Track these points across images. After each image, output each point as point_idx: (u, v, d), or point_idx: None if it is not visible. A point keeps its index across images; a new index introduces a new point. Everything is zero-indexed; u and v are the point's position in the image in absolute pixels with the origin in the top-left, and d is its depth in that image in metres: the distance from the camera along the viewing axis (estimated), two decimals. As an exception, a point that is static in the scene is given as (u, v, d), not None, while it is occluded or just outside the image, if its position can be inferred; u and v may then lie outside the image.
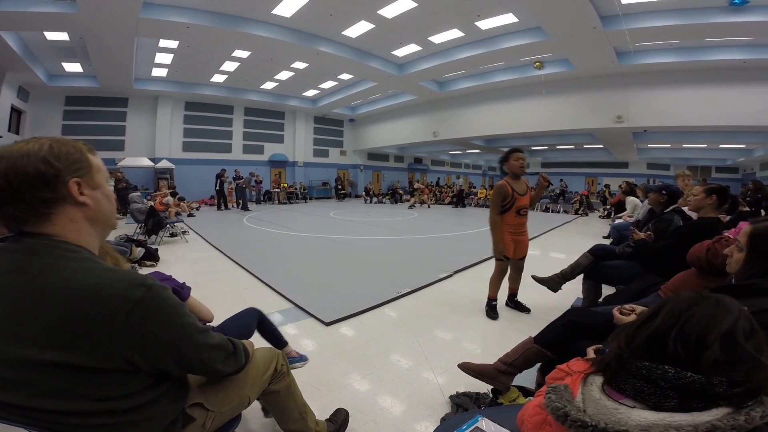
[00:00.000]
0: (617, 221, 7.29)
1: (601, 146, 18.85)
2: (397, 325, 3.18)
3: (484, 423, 1.00)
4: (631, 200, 8.09)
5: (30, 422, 0.76)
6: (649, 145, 18.60)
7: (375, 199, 19.59)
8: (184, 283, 1.42)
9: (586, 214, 14.45)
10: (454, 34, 10.39)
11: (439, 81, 14.86)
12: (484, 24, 9.69)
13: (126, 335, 0.75)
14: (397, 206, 17.13)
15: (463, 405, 1.91)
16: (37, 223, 0.80)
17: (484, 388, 2.02)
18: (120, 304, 0.75)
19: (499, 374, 1.79)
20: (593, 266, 3.09)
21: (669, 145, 18.05)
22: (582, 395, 0.70)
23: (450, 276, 4.72)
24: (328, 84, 16.13)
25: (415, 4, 8.77)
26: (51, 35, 9.82)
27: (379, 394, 2.14)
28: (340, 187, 20.64)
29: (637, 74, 11.18)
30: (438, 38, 10.73)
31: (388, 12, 9.22)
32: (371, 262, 5.53)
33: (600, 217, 13.43)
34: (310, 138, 21.13)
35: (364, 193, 20.65)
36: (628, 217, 7.19)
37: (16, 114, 12.83)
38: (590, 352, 1.10)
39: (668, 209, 3.29)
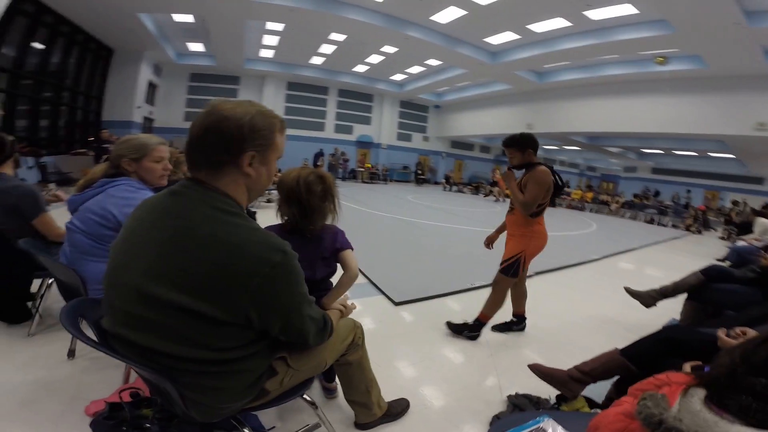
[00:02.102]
0: (739, 243, 6.21)
1: (732, 156, 15.98)
2: (466, 316, 3.10)
3: (549, 424, 0.95)
4: (761, 222, 6.84)
5: (147, 362, 0.86)
6: (798, 159, 15.24)
7: (455, 188, 19.25)
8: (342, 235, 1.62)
9: (700, 232, 12.45)
10: (559, 23, 9.51)
11: (537, 71, 13.84)
12: (595, 14, 8.70)
13: (257, 294, 0.83)
14: (477, 197, 16.68)
15: (521, 406, 1.84)
16: (208, 174, 0.90)
17: (544, 394, 1.92)
18: (261, 265, 0.82)
19: (571, 381, 1.69)
20: (702, 287, 2.70)
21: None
22: (679, 406, 0.68)
23: (530, 276, 4.47)
24: (416, 69, 16.07)
25: (513, -9, 8.21)
26: (178, 17, 11.16)
27: (435, 382, 2.14)
28: (419, 172, 20.66)
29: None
30: (539, 27, 9.93)
31: (483, -2, 8.73)
32: (446, 249, 5.51)
33: (720, 238, 11.46)
34: (395, 122, 21.36)
35: (444, 180, 20.39)
36: (755, 240, 6.08)
37: (151, 88, 15.06)
38: (686, 368, 1.00)
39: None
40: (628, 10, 8.23)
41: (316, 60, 15.81)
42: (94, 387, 1.70)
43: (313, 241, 1.49)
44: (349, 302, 1.49)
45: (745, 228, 7.91)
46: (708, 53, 9.21)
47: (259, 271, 0.82)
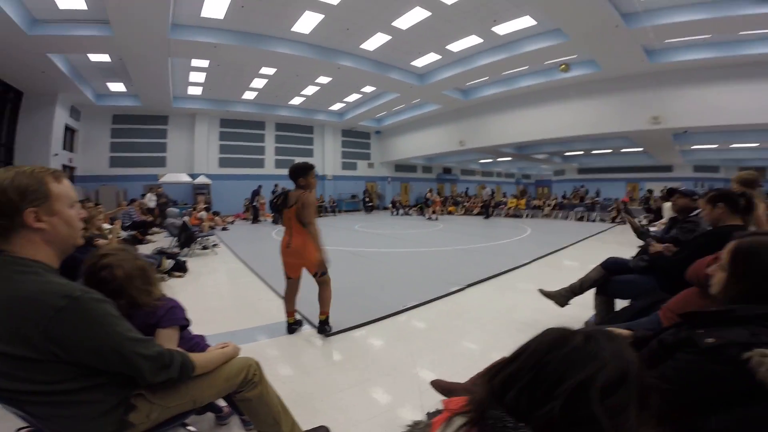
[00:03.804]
0: (651, 229, 6.80)
1: (640, 149, 17.81)
2: (397, 338, 3.14)
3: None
4: (667, 206, 7.55)
5: None
6: (693, 147, 17.32)
7: (402, 211, 19.46)
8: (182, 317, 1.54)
9: (624, 223, 13.61)
10: (473, 40, 10.30)
11: (462, 89, 14.72)
12: (502, 29, 9.55)
13: (49, 334, 0.95)
14: (422, 218, 17.03)
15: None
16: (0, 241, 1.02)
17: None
18: (46, 310, 0.96)
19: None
20: (605, 280, 2.87)
21: (716, 146, 16.76)
22: None
23: (462, 289, 4.57)
24: (353, 97, 16.43)
25: (428, 14, 8.81)
26: (94, 57, 10.63)
27: (363, 407, 2.12)
28: (367, 199, 20.77)
29: (671, 72, 10.52)
30: (456, 46, 10.68)
31: (403, 23, 9.31)
32: (385, 275, 5.49)
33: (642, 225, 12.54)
34: (339, 151, 21.48)
35: (391, 205, 20.64)
36: (663, 224, 6.69)
37: (69, 132, 13.93)
38: None
39: (693, 214, 3.03)
40: (528, 22, 9.15)
41: (249, 95, 15.66)
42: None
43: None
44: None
45: (660, 214, 8.77)
46: (600, 57, 10.31)
47: (45, 315, 0.95)
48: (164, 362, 1.16)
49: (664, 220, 7.09)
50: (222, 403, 1.88)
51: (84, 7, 8.06)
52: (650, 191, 15.50)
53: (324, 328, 3.15)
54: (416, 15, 8.90)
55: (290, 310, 3.29)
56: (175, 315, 1.47)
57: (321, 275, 3.07)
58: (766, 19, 7.61)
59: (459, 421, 0.61)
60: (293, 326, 3.28)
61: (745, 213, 2.37)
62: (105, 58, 10.72)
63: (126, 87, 13.54)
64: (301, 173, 3.10)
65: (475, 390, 0.63)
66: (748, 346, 0.84)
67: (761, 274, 0.98)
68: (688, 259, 2.20)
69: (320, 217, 17.92)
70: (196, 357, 1.31)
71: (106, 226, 5.38)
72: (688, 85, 10.44)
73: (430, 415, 1.89)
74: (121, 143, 15.76)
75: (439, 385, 1.79)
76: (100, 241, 4.11)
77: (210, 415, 1.97)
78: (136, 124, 16.00)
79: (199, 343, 1.61)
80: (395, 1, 8.39)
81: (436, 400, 2.05)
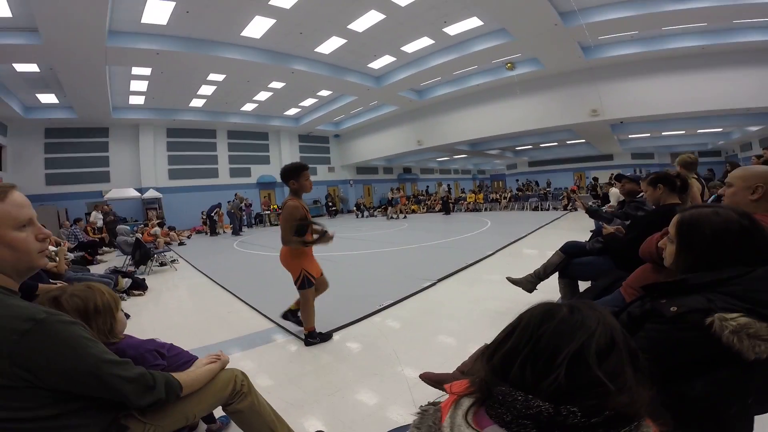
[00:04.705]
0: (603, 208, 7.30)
1: (584, 141, 19.07)
2: (376, 338, 3.14)
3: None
4: (613, 191, 8.11)
5: None
6: (629, 136, 18.86)
7: (366, 213, 19.44)
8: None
9: (575, 210, 14.52)
10: (425, 42, 10.58)
11: (417, 90, 15.02)
12: (452, 30, 9.90)
13: (15, 360, 0.88)
14: (388, 219, 17.16)
15: (430, 416, 1.86)
16: None
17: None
18: (8, 334, 0.89)
19: None
20: (566, 264, 3.06)
21: (648, 135, 18.31)
22: (450, 419, 0.61)
23: (434, 284, 4.68)
24: (309, 101, 16.23)
25: (383, 16, 8.94)
26: (20, 67, 9.70)
27: (355, 408, 2.12)
28: (330, 203, 20.54)
29: (605, 67, 11.43)
30: (410, 47, 10.91)
31: (358, 26, 9.37)
32: (357, 277, 5.48)
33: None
34: (297, 156, 20.93)
35: (354, 207, 20.54)
36: (611, 208, 7.19)
37: (-5, 149, 12.56)
38: None
39: (639, 196, 3.30)
40: (476, 22, 9.55)
41: (197, 102, 14.99)
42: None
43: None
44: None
45: (607, 199, 9.46)
46: (542, 54, 10.96)
47: (8, 340, 0.88)
48: (148, 383, 1.11)
49: (611, 204, 7.65)
50: (217, 415, 1.88)
51: (8, 14, 7.35)
52: (596, 179, 16.62)
53: (308, 341, 3.04)
54: (371, 18, 9.00)
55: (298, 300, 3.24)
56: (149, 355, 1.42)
57: (300, 287, 2.97)
58: (685, 15, 8.45)
59: (467, 402, 0.62)
60: (289, 314, 3.33)
61: (681, 192, 2.64)
62: (33, 68, 9.83)
63: (58, 98, 12.42)
64: (292, 175, 2.86)
65: (475, 371, 0.65)
66: (707, 312, 0.89)
67: (705, 242, 1.04)
68: (639, 238, 2.39)
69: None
70: (180, 376, 1.27)
71: (52, 248, 4.97)
72: (620, 79, 11.37)
73: (422, 409, 1.93)
74: (57, 159, 14.44)
75: (428, 378, 1.83)
76: (49, 264, 3.81)
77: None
78: (72, 138, 14.70)
79: (188, 361, 1.56)
80: (350, 5, 8.42)
81: (426, 393, 2.10)
